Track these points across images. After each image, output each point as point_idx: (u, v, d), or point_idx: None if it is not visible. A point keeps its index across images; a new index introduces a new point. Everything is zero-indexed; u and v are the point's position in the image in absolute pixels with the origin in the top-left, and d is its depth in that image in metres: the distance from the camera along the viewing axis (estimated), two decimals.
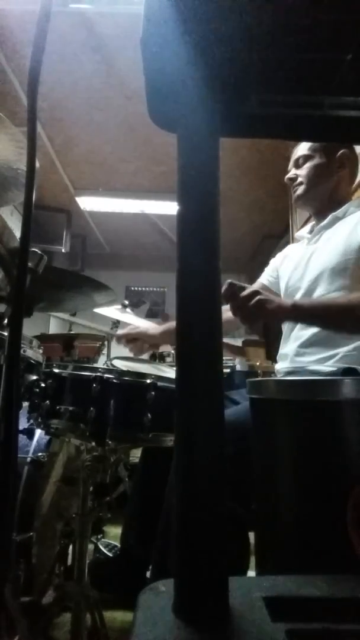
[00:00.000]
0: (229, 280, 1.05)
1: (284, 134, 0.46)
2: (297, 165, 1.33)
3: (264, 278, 1.53)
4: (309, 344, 1.18)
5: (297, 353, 1.20)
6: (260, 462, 0.62)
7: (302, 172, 1.31)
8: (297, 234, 1.49)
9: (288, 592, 0.35)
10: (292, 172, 1.34)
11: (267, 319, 1.10)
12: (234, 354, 2.42)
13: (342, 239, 1.20)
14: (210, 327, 0.35)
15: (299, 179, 1.31)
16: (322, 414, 0.56)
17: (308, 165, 1.30)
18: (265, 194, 3.73)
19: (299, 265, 1.34)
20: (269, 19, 0.33)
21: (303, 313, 1.06)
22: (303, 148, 1.31)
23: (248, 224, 4.39)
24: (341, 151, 1.28)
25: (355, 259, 1.15)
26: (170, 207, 3.93)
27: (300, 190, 1.32)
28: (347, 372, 1.06)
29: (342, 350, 1.11)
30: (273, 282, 1.48)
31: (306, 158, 1.30)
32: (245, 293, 1.02)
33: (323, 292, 1.20)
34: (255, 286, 1.51)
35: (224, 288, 1.04)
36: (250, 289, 1.04)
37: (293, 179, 1.33)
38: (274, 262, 1.53)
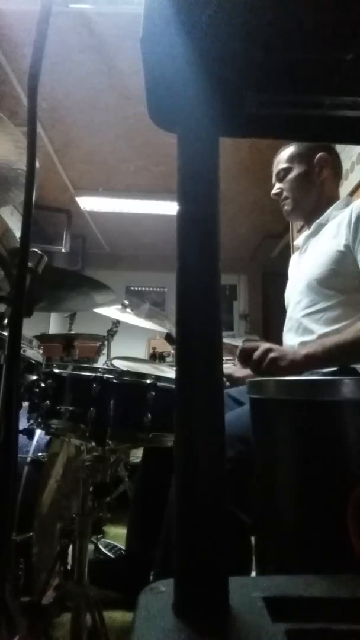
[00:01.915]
0: (241, 346, 1.09)
1: (284, 134, 0.46)
2: (280, 179, 1.33)
3: None
4: None
5: None
6: (260, 463, 0.62)
7: (286, 186, 1.31)
8: (295, 242, 1.50)
9: (288, 592, 0.35)
10: (277, 186, 1.35)
11: (283, 374, 1.11)
12: (234, 354, 2.42)
13: (325, 248, 1.21)
14: (210, 327, 0.35)
15: (284, 194, 1.32)
16: (322, 414, 0.56)
17: (289, 177, 1.30)
18: (265, 194, 3.69)
19: (293, 277, 1.36)
20: (269, 19, 0.33)
21: (318, 361, 1.06)
22: (281, 161, 1.32)
23: (248, 224, 4.38)
24: (318, 155, 1.28)
25: (337, 269, 1.16)
26: (170, 207, 3.93)
27: (287, 204, 1.33)
28: (347, 371, 1.06)
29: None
30: None
31: (286, 170, 1.31)
32: (257, 354, 1.05)
33: (309, 303, 1.21)
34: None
35: (237, 353, 1.10)
36: (261, 348, 1.05)
37: (279, 194, 1.34)
38: None
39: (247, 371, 1.52)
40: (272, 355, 1.03)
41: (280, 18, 0.33)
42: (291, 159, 1.29)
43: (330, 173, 1.30)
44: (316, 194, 1.30)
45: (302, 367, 1.06)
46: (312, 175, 1.28)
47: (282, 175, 1.31)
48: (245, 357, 1.08)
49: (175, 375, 0.35)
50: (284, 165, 1.30)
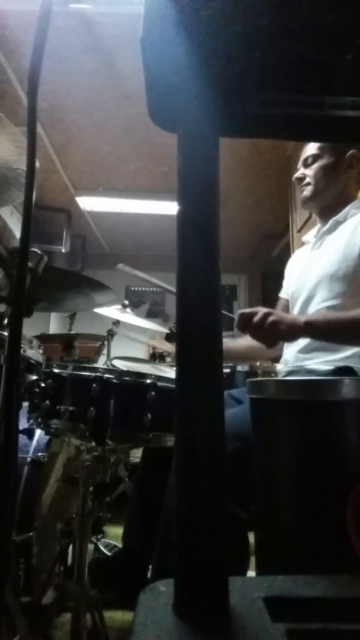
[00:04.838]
0: (240, 311, 1.06)
1: (284, 134, 0.46)
2: (306, 165, 1.31)
3: (283, 293, 1.50)
4: (308, 350, 1.18)
5: (297, 359, 1.21)
6: (260, 462, 0.62)
7: (310, 172, 1.29)
8: (304, 238, 1.47)
9: (288, 592, 0.35)
10: (301, 171, 1.32)
11: (283, 339, 1.09)
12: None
13: (342, 244, 1.19)
14: (210, 327, 0.35)
15: (307, 179, 1.30)
16: (322, 414, 0.56)
17: (317, 165, 1.28)
18: (265, 194, 3.73)
19: (303, 272, 1.33)
20: (269, 19, 0.33)
21: (317, 331, 1.05)
22: (312, 147, 1.29)
23: (248, 224, 4.39)
24: (350, 152, 1.26)
25: (354, 266, 1.14)
26: (170, 207, 3.93)
27: (307, 191, 1.30)
28: (344, 370, 1.05)
29: (341, 355, 1.11)
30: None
31: (315, 157, 1.28)
32: (257, 318, 1.02)
33: (321, 300, 1.19)
34: (278, 305, 1.49)
35: (236, 320, 1.06)
36: (261, 312, 1.03)
37: (301, 179, 1.31)
38: (286, 273, 1.51)
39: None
40: (271, 318, 1.00)
41: (280, 18, 0.33)
42: (322, 148, 1.27)
43: (357, 172, 1.28)
44: (338, 189, 1.28)
45: (301, 333, 1.04)
46: (339, 169, 1.27)
47: (310, 161, 1.29)
48: (244, 322, 1.04)
49: (175, 375, 0.35)
50: (314, 152, 1.28)
